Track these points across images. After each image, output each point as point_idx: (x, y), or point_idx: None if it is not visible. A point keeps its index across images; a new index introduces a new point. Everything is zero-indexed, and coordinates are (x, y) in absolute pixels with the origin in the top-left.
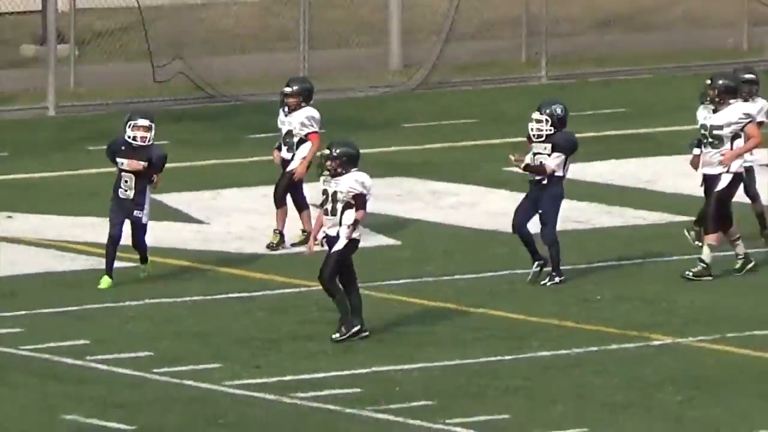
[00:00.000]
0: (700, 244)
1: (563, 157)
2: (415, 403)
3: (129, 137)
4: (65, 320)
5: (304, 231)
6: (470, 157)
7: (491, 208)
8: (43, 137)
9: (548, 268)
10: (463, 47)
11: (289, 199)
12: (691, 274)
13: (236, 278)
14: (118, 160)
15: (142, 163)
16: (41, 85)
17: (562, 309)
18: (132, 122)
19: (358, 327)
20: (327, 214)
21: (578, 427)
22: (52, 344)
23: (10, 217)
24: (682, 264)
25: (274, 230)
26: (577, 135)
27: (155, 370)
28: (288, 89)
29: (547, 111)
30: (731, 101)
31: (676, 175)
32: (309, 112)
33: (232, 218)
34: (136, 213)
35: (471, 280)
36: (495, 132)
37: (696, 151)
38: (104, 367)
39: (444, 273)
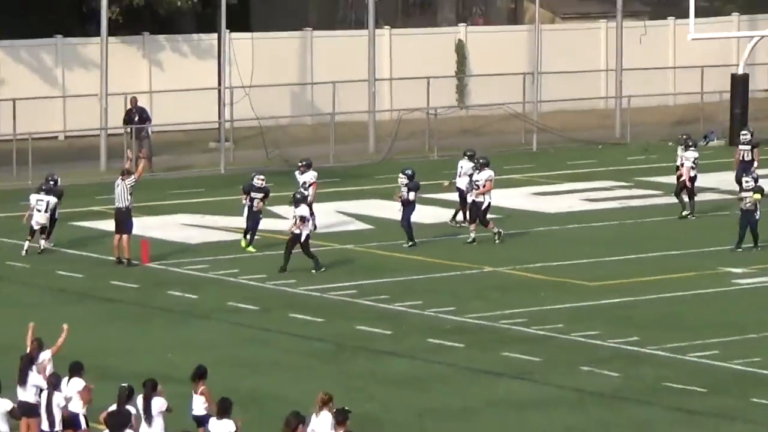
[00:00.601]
0: (471, 227)
1: (414, 193)
2: (382, 296)
3: (255, 183)
4: (227, 261)
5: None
6: None
7: (420, 213)
8: (218, 183)
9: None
10: (402, 143)
11: None
12: (497, 239)
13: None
14: (252, 194)
15: (263, 194)
16: (217, 160)
17: (440, 255)
18: (256, 176)
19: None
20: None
21: (447, 306)
22: (221, 271)
23: (203, 217)
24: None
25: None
26: (442, 181)
27: (268, 282)
28: (301, 163)
29: (406, 173)
30: (486, 169)
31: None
32: (312, 173)
33: None
34: (260, 214)
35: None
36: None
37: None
38: (245, 281)
39: (393, 240)
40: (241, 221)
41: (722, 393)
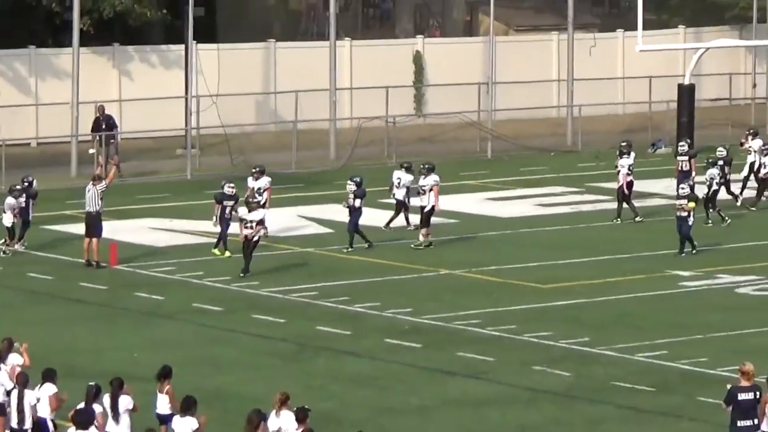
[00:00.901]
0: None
1: (361, 200)
2: (342, 298)
3: (226, 191)
4: (193, 263)
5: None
6: None
7: (370, 216)
8: (185, 188)
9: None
10: (362, 150)
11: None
12: (417, 245)
13: (269, 246)
14: (225, 202)
15: (234, 201)
16: (184, 166)
17: (397, 258)
18: (226, 184)
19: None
20: (248, 228)
21: (404, 308)
22: (187, 274)
23: (171, 221)
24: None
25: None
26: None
27: (233, 284)
28: (254, 169)
29: (354, 180)
30: (432, 174)
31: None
32: (266, 179)
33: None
34: (230, 220)
35: (362, 247)
36: (369, 185)
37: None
38: (209, 283)
39: (348, 244)
40: (207, 225)
41: (670, 392)
